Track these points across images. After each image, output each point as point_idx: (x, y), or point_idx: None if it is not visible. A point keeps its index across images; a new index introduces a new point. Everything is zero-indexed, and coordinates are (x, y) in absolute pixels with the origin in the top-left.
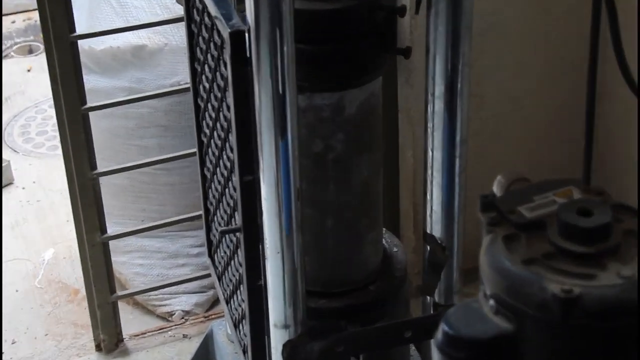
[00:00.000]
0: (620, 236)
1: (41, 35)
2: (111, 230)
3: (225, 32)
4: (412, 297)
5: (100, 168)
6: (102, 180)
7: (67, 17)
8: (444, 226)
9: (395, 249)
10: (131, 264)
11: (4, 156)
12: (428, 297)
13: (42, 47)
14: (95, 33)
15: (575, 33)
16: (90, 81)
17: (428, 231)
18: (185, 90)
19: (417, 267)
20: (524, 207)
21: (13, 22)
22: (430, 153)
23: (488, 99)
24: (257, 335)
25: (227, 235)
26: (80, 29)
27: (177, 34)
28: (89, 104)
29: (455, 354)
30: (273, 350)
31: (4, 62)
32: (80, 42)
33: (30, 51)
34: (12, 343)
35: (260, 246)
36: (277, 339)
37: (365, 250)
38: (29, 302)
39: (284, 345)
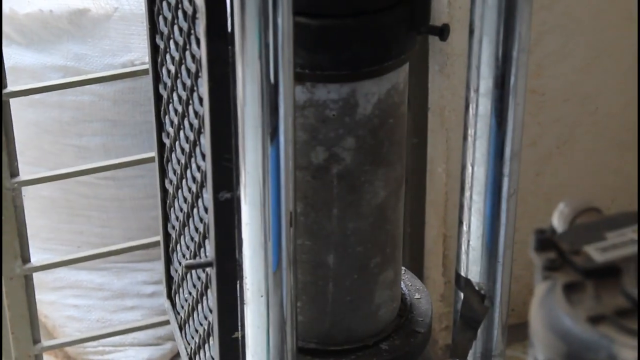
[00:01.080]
0: None
1: None
2: (36, 258)
3: None
4: None
5: (24, 175)
6: (26, 192)
7: None
8: (484, 267)
9: (417, 296)
10: (62, 304)
11: None
12: None
13: None
14: None
15: None
16: (13, 57)
17: (462, 274)
18: (143, 72)
19: (447, 320)
20: (593, 247)
21: None
22: (469, 169)
23: (550, 98)
24: None
25: (193, 271)
26: None
27: None
28: (10, 88)
29: None
30: None
31: None
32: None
33: None
34: None
35: (238, 286)
36: None
37: (377, 296)
38: None
39: None
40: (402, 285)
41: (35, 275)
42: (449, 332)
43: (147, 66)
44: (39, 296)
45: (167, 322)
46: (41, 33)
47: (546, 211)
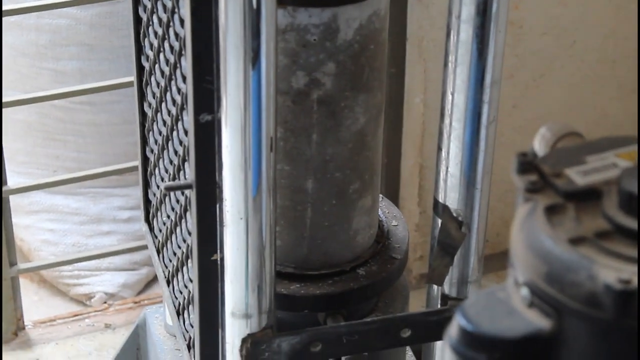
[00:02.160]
0: None
1: None
2: (12, 182)
3: None
4: (413, 288)
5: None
6: (3, 115)
7: None
8: (462, 195)
9: (394, 223)
10: (38, 228)
11: None
12: (435, 287)
13: None
14: None
15: None
16: None
17: (441, 200)
18: None
19: (421, 250)
20: (575, 170)
21: None
22: (449, 97)
23: (528, 30)
24: (208, 326)
25: (172, 194)
26: None
27: None
28: None
29: (475, 355)
30: (228, 347)
31: None
32: None
33: None
34: None
35: (218, 209)
36: (234, 332)
37: (355, 221)
38: None
39: (244, 340)
40: (380, 212)
41: (11, 198)
42: (423, 262)
43: None
44: (15, 220)
45: (143, 247)
46: None
47: (522, 143)
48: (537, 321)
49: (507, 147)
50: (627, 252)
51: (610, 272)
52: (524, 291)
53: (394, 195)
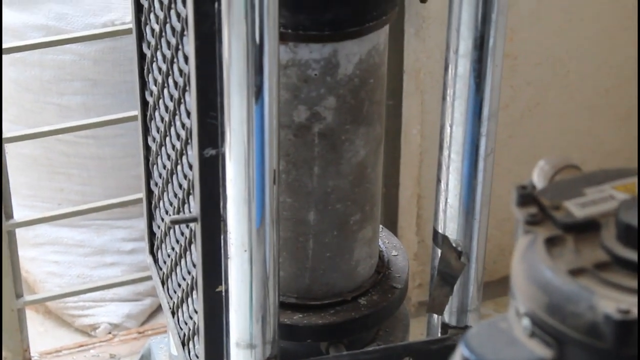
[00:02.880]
0: None
1: None
2: (18, 215)
3: None
4: (412, 316)
5: (6, 132)
6: (8, 149)
7: None
8: (461, 225)
9: (394, 253)
10: (43, 260)
11: None
12: (435, 316)
13: None
14: None
15: None
16: None
17: (440, 231)
18: (124, 32)
19: (420, 278)
20: (573, 202)
21: None
22: (448, 129)
23: (523, 61)
24: (213, 356)
25: (177, 227)
26: None
27: None
28: None
29: None
30: None
31: None
32: None
33: None
34: None
35: (222, 242)
36: None
37: (356, 252)
38: None
39: None
40: (380, 242)
41: (17, 232)
42: (422, 290)
43: (128, 26)
44: (21, 252)
45: (147, 278)
46: None
47: (518, 173)
48: (539, 351)
49: (503, 176)
50: (626, 283)
51: (609, 302)
52: (525, 321)
53: (392, 225)
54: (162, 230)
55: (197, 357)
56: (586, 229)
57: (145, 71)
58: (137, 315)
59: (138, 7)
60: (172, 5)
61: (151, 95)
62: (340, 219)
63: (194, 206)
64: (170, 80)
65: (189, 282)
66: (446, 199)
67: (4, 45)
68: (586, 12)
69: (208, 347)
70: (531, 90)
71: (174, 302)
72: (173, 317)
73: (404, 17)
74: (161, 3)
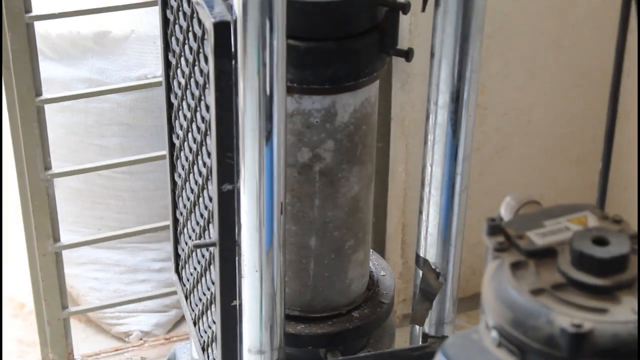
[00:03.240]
0: (637, 269)
1: None
2: (65, 238)
3: (208, 22)
4: (397, 326)
5: (55, 168)
6: (57, 183)
7: None
8: (439, 250)
9: (382, 273)
10: (85, 277)
11: None
12: (417, 327)
13: None
14: (54, 14)
15: (592, 40)
16: (46, 69)
17: (422, 255)
18: (154, 85)
19: (404, 294)
20: (534, 232)
21: None
22: (429, 168)
23: (492, 111)
24: None
25: (198, 250)
26: (37, 9)
27: (147, 20)
28: (45, 96)
29: None
30: None
31: None
32: (36, 24)
33: None
34: None
35: (237, 263)
36: None
37: (350, 272)
38: None
39: None
40: (370, 264)
41: (63, 252)
42: (405, 304)
43: (159, 79)
44: (66, 270)
45: (173, 293)
46: (70, 50)
47: (488, 206)
48: (505, 359)
49: (475, 209)
50: (579, 302)
51: (565, 318)
52: (494, 333)
53: (380, 249)
54: (185, 253)
55: None
56: (545, 255)
57: (172, 118)
58: (165, 324)
59: (167, 64)
60: (196, 63)
61: (177, 138)
62: (337, 244)
63: (213, 233)
64: (194, 126)
65: (208, 297)
66: (427, 228)
67: (54, 95)
68: (545, 72)
69: (224, 353)
70: (499, 135)
71: (195, 314)
72: (195, 326)
73: (392, 74)
74: (187, 60)
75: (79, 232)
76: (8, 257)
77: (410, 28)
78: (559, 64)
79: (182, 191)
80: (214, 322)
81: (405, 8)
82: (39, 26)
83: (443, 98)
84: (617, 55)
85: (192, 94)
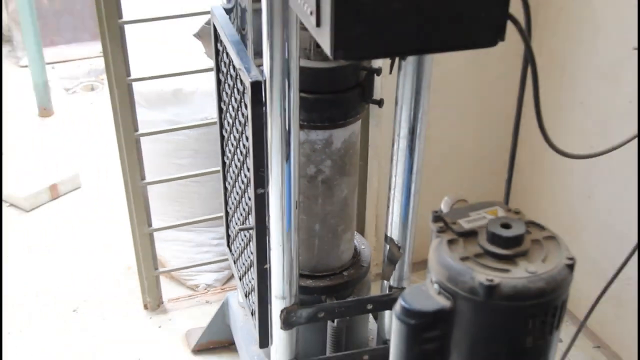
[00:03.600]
0: (529, 243)
1: (101, 77)
2: (155, 224)
3: (247, 81)
4: (372, 281)
5: (148, 178)
6: (149, 188)
7: (124, 64)
8: (400, 231)
9: (362, 247)
10: (169, 249)
11: (75, 165)
12: (385, 282)
13: (101, 86)
14: (145, 77)
15: (503, 93)
16: (141, 114)
17: (388, 234)
18: (212, 124)
19: (377, 260)
20: (463, 220)
21: (79, 66)
22: (394, 179)
23: (434, 140)
24: (263, 303)
25: (242, 233)
26: (134, 74)
27: (207, 80)
28: (140, 131)
29: (409, 321)
30: (274, 315)
31: (71, 97)
32: (134, 84)
33: (92, 89)
34: (84, 300)
35: (267, 240)
36: (276, 306)
37: (342, 246)
38: (97, 273)
39: (281, 311)
40: (355, 241)
41: (154, 233)
42: (377, 267)
43: (215, 120)
44: (157, 244)
45: (226, 259)
46: (157, 101)
47: (433, 203)
48: (443, 302)
49: (424, 205)
50: (491, 265)
51: (482, 275)
52: (435, 286)
53: (361, 231)
54: (234, 234)
55: (254, 303)
56: (470, 235)
57: (223, 145)
58: (221, 279)
59: (220, 110)
60: (239, 109)
61: (227, 158)
62: (333, 228)
63: (251, 220)
64: (238, 151)
65: (249, 263)
66: (392, 217)
67: (146, 131)
68: (470, 114)
69: (260, 298)
70: (439, 157)
71: (240, 273)
72: (240, 281)
73: (369, 115)
74: (233, 107)
75: (164, 221)
76: (120, 237)
77: (382, 84)
78: (479, 109)
79: (230, 194)
80: (253, 279)
81: (378, 71)
82: (136, 85)
83: (403, 131)
84: (518, 104)
85: (237, 130)
